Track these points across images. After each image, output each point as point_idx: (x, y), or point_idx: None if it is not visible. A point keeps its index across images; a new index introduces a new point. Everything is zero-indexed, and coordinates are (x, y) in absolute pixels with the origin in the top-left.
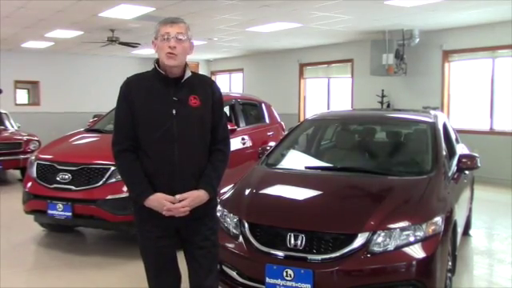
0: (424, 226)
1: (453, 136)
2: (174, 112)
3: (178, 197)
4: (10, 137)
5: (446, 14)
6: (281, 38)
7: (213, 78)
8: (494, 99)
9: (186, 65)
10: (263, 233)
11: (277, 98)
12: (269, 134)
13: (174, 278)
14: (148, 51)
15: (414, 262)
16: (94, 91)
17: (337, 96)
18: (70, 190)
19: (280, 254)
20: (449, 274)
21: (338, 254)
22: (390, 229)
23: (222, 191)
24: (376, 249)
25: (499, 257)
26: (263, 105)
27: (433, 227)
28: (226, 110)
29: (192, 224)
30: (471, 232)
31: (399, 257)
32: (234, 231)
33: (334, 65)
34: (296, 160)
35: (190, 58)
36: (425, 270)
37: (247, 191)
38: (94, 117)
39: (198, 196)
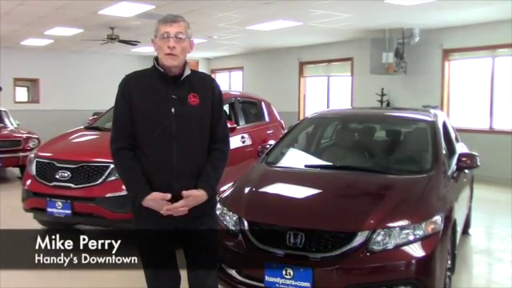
0: (423, 224)
1: (452, 135)
2: (172, 110)
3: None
4: (9, 134)
5: (446, 12)
6: (281, 36)
7: (213, 76)
8: (494, 98)
9: (185, 62)
10: (263, 231)
11: (277, 97)
12: (268, 132)
13: (173, 278)
14: (148, 49)
15: (414, 261)
16: (93, 89)
17: (337, 94)
18: (69, 187)
19: (279, 252)
20: (448, 273)
21: (337, 252)
22: (389, 227)
23: (221, 189)
24: (375, 247)
25: (498, 256)
26: (263, 103)
27: (432, 226)
28: (226, 108)
29: (191, 223)
30: (471, 231)
31: (399, 255)
32: (234, 229)
33: (333, 63)
34: (296, 158)
35: (190, 55)
36: (424, 268)
37: (247, 189)
38: (94, 114)
39: (196, 196)
